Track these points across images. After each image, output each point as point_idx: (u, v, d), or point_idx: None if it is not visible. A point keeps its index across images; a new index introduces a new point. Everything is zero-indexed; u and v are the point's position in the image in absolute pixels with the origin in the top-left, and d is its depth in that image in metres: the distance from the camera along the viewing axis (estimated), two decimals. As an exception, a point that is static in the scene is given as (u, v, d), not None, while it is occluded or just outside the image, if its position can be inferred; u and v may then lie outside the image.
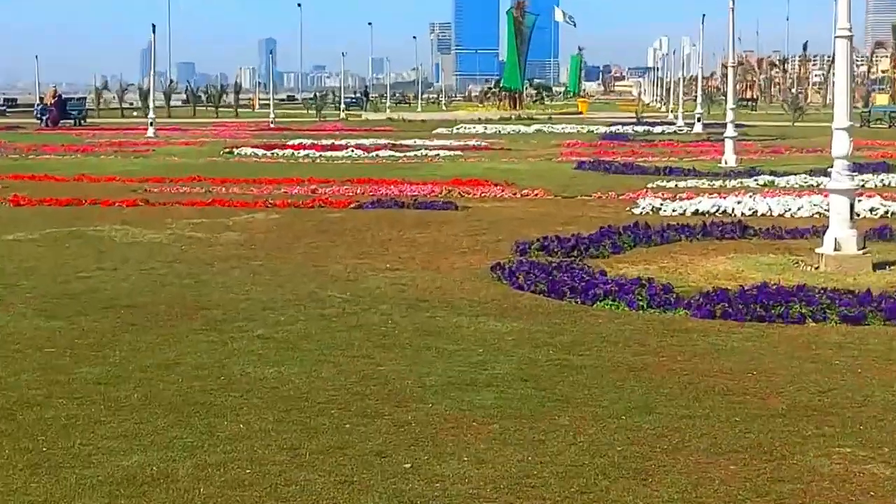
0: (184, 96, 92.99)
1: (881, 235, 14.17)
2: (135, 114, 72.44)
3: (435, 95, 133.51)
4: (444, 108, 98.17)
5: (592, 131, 45.16)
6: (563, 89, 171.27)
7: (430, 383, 7.31)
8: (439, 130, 45.85)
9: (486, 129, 47.02)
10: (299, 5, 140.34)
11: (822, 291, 9.90)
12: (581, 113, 77.18)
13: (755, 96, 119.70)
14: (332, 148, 32.34)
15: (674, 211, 16.72)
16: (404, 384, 7.29)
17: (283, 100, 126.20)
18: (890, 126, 49.31)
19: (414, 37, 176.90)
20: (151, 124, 40.74)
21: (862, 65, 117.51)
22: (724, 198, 17.60)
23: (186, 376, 7.40)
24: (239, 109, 79.12)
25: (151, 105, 41.83)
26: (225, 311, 9.56)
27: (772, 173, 23.02)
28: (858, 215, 16.36)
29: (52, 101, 54.48)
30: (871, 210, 16.47)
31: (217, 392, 7.04)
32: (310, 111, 77.37)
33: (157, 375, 7.42)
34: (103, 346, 8.27)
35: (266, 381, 7.33)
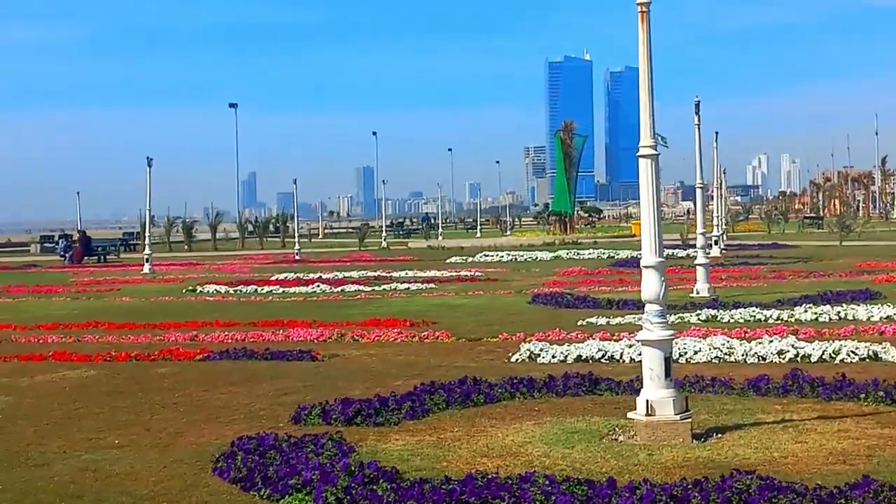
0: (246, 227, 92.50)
1: (756, 388, 11.77)
2: (185, 247, 72.21)
3: (507, 220, 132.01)
4: (506, 233, 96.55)
5: (613, 257, 42.87)
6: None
7: None
8: (452, 259, 44.05)
9: (505, 256, 45.04)
10: (374, 133, 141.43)
11: (547, 483, 7.71)
12: (634, 235, 74.61)
13: (834, 212, 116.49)
14: (307, 283, 30.69)
15: (553, 358, 14.55)
16: None
17: (356, 228, 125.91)
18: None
19: (497, 161, 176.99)
20: (147, 261, 39.69)
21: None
22: (619, 340, 15.42)
23: None
24: (288, 239, 78.15)
25: (147, 242, 40.76)
26: None
27: (735, 305, 20.67)
28: (764, 359, 14.09)
29: (76, 238, 54.06)
30: (780, 353, 14.08)
31: None
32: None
33: None
34: None
35: None
